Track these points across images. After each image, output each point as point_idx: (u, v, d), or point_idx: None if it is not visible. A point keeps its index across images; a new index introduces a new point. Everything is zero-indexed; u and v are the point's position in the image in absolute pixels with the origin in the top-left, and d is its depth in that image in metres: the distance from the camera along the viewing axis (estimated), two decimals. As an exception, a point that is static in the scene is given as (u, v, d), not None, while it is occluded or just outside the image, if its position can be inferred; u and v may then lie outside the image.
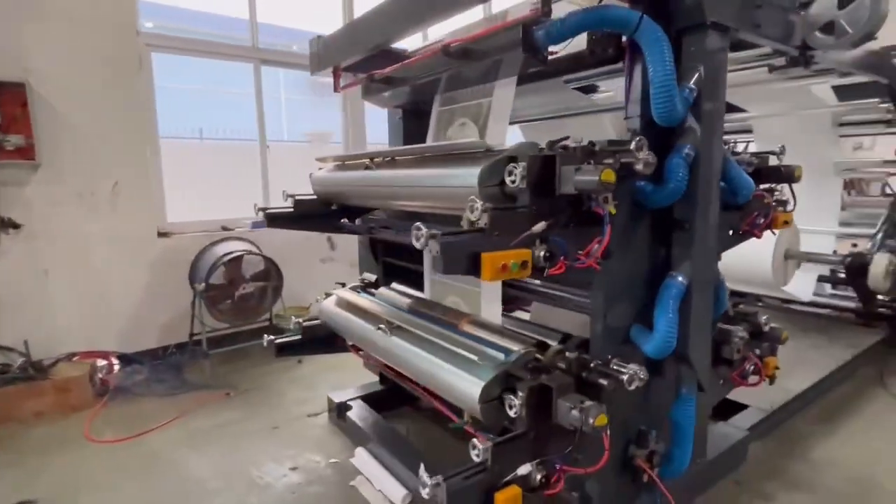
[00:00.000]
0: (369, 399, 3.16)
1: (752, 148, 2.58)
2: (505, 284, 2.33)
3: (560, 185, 1.56)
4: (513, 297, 2.65)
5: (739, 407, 2.91)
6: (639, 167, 1.64)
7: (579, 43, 1.96)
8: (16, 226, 3.62)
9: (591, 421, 1.53)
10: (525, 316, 2.80)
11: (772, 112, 4.25)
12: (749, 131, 4.41)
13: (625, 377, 1.68)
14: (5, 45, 3.50)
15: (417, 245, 1.41)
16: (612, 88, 3.44)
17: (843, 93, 4.16)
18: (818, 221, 4.49)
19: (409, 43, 2.84)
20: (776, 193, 2.35)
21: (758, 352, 2.35)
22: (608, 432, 1.62)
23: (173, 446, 2.94)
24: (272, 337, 2.91)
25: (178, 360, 4.14)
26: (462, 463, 2.64)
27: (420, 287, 2.68)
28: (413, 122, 3.05)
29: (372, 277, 3.12)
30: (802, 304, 4.61)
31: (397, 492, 2.40)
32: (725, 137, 2.04)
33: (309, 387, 3.71)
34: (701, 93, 1.81)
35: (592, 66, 2.01)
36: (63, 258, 3.80)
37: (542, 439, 1.70)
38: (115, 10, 3.88)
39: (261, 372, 4.01)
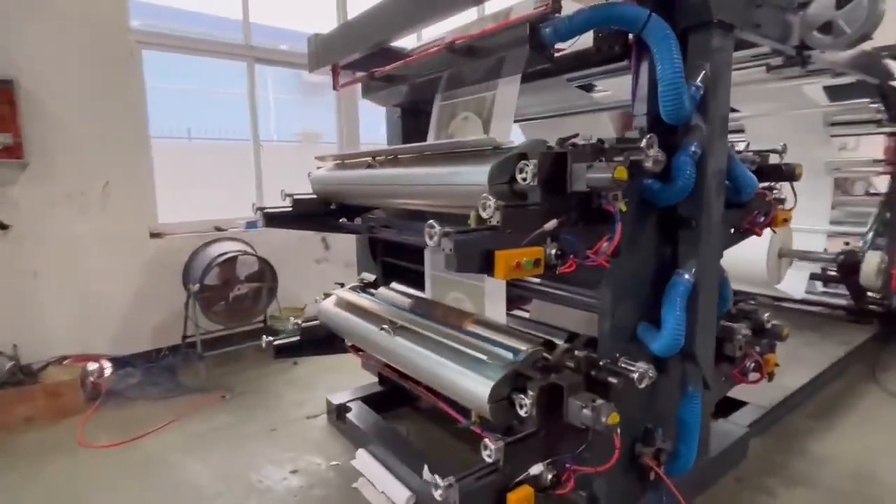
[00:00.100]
0: (368, 400, 3.14)
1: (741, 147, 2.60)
2: (507, 283, 2.32)
3: (571, 183, 1.55)
4: (516, 297, 2.64)
5: (737, 404, 2.94)
6: (648, 165, 1.64)
7: (581, 41, 1.97)
8: (3, 226, 3.53)
9: (603, 420, 1.53)
10: (521, 314, 2.79)
11: (764, 112, 4.30)
12: (741, 131, 4.45)
13: (635, 375, 1.68)
14: (-8, 42, 3.42)
15: (430, 243, 1.39)
16: (608, 88, 3.46)
17: (834, 93, 4.22)
18: (810, 220, 4.55)
19: (406, 41, 2.82)
20: (775, 192, 2.38)
21: (757, 349, 2.38)
22: (618, 431, 1.62)
23: (169, 450, 2.89)
24: (271, 338, 2.87)
25: (172, 362, 4.07)
26: (463, 462, 2.62)
27: (420, 286, 2.66)
28: (412, 121, 3.03)
29: (371, 277, 3.10)
30: (794, 301, 4.67)
31: (401, 493, 2.38)
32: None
33: (306, 388, 3.67)
34: (707, 91, 1.82)
35: (597, 63, 2.01)
36: (53, 260, 3.72)
37: (552, 439, 1.69)
38: (105, 6, 3.81)
39: (256, 374, 3.96)
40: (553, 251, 1.52)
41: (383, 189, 2.32)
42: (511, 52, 1.91)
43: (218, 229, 4.46)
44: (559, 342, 1.95)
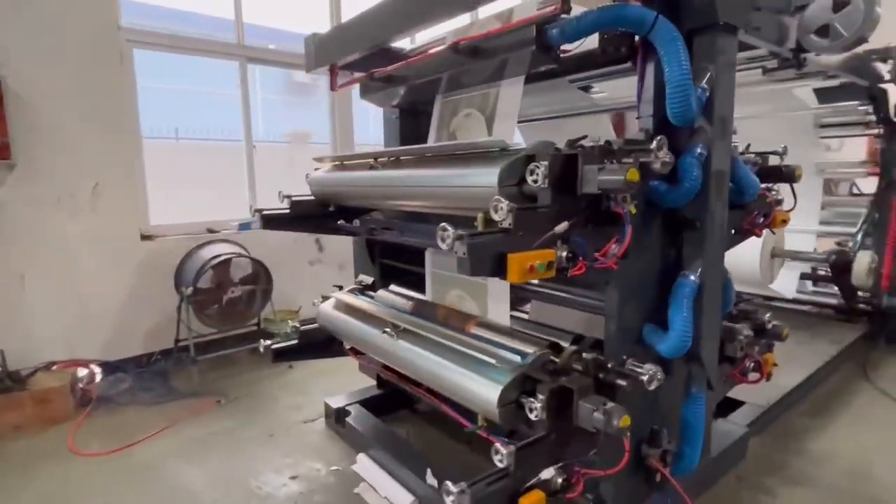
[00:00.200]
0: (367, 403, 3.10)
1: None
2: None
3: (582, 185, 1.55)
4: (516, 298, 2.63)
5: (734, 404, 2.96)
6: (657, 167, 1.64)
7: (584, 42, 1.96)
8: (-10, 229, 3.45)
9: (615, 423, 1.52)
10: (519, 315, 2.78)
11: (756, 114, 4.34)
12: (733, 133, 4.49)
13: (644, 377, 1.68)
14: (-23, 39, 3.33)
15: (443, 246, 1.38)
16: (604, 89, 3.47)
17: (823, 95, 4.28)
18: (800, 220, 4.61)
19: (403, 41, 2.80)
20: (773, 193, 2.40)
21: (756, 349, 2.39)
22: (628, 434, 1.62)
23: (165, 457, 2.83)
24: (269, 342, 2.83)
25: (164, 367, 4.00)
26: (465, 465, 2.62)
27: (419, 288, 2.64)
28: (410, 121, 3.01)
29: (369, 279, 3.07)
30: (785, 301, 4.73)
31: (403, 498, 2.36)
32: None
33: (302, 392, 3.63)
34: (712, 93, 1.82)
35: (602, 65, 2.01)
36: (41, 263, 3.63)
37: (561, 442, 1.68)
38: (96, 4, 3.73)
39: (250, 378, 3.90)
40: (564, 254, 1.51)
41: (386, 191, 2.29)
42: (517, 53, 1.90)
43: (210, 231, 4.40)
44: (564, 344, 1.95)
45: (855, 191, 5.67)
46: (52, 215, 3.65)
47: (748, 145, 2.36)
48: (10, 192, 3.48)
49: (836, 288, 4.52)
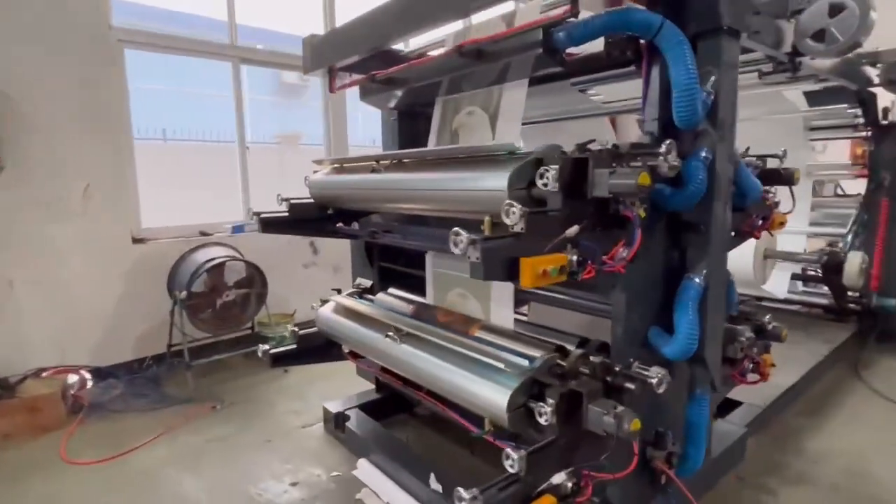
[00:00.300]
0: (366, 408, 3.08)
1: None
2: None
3: (592, 188, 1.54)
4: (518, 300, 2.63)
5: (731, 404, 2.98)
6: (665, 170, 1.64)
7: (585, 45, 1.97)
8: (-24, 233, 3.36)
9: (626, 427, 1.52)
10: (518, 317, 2.77)
11: (748, 116, 4.39)
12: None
13: (654, 380, 1.68)
14: (-37, 39, 3.26)
15: (456, 251, 1.37)
16: (600, 92, 3.49)
17: (813, 98, 4.35)
18: (791, 222, 4.65)
19: (403, 43, 2.79)
20: (771, 195, 2.42)
21: (755, 350, 2.41)
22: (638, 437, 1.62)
23: (161, 465, 2.78)
24: (267, 347, 2.79)
25: (157, 372, 3.94)
26: (466, 469, 2.61)
27: (418, 291, 2.63)
28: (409, 123, 3.00)
29: (367, 283, 3.05)
30: (775, 301, 4.79)
31: (407, 503, 2.34)
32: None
33: (298, 397, 3.59)
34: (717, 96, 1.83)
35: (607, 68, 2.01)
36: (30, 268, 3.55)
37: (570, 446, 1.68)
38: (86, 2, 3.66)
39: (246, 383, 3.85)
40: (574, 257, 1.51)
41: (389, 194, 2.27)
42: (522, 56, 1.89)
43: (203, 234, 4.34)
44: (570, 347, 1.94)
45: (839, 192, 5.78)
46: (42, 219, 3.57)
47: (747, 148, 2.38)
48: (-3, 195, 3.41)
49: (825, 288, 4.59)
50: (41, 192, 3.56)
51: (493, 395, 1.77)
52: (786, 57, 2.71)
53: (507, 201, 1.41)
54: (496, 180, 1.67)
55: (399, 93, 2.66)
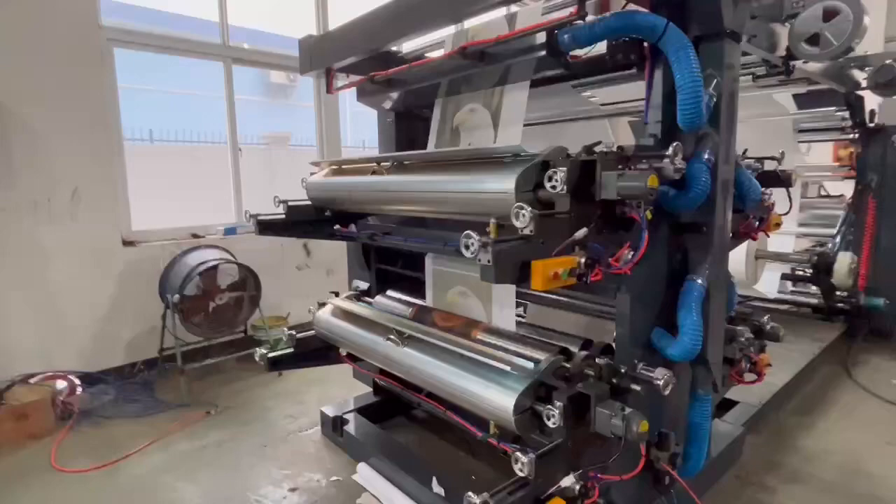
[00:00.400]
0: (363, 411, 3.05)
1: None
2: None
3: (601, 191, 1.55)
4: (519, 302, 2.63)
5: (727, 403, 3.01)
6: (670, 172, 1.65)
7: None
8: (-39, 236, 3.28)
9: (635, 429, 1.52)
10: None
11: (738, 118, 4.45)
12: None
13: (660, 382, 1.68)
14: (-53, 37, 3.17)
15: (468, 254, 1.36)
16: (598, 94, 3.51)
17: (801, 101, 4.42)
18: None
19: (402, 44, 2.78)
20: (767, 196, 2.45)
21: (752, 349, 2.44)
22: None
23: (156, 472, 2.73)
24: (265, 351, 2.75)
25: (148, 377, 3.87)
26: (466, 471, 2.60)
27: (416, 293, 2.61)
28: (406, 124, 2.99)
29: (364, 285, 3.02)
30: (765, 301, 4.85)
31: (409, 507, 2.33)
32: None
33: (293, 401, 3.55)
34: (719, 99, 1.85)
35: (610, 70, 2.01)
36: (16, 272, 3.47)
37: (577, 449, 1.68)
38: (75, 0, 3.59)
39: (239, 387, 3.81)
40: (583, 260, 1.51)
41: (390, 195, 2.25)
42: (526, 58, 1.89)
43: (195, 236, 4.28)
44: (573, 349, 1.95)
45: (823, 193, 5.88)
46: (29, 221, 3.50)
47: (745, 150, 2.41)
48: (-17, 197, 3.33)
49: (813, 287, 4.66)
50: (28, 195, 3.48)
51: (499, 398, 1.76)
52: (780, 60, 2.75)
53: (518, 204, 1.40)
54: (502, 183, 1.67)
55: (399, 93, 2.65)
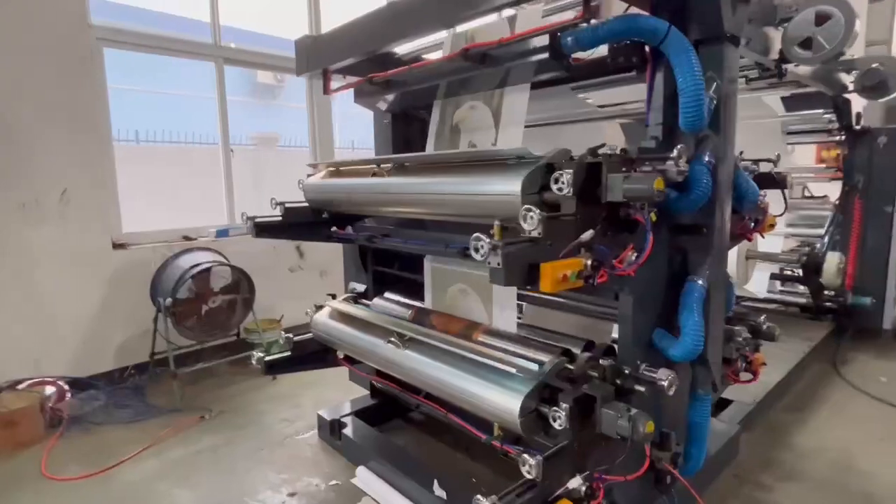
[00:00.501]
0: (361, 414, 3.03)
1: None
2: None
3: (606, 193, 1.55)
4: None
5: (722, 402, 3.04)
6: (674, 175, 1.66)
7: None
8: (-54, 239, 3.20)
9: (641, 429, 1.53)
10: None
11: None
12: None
13: (664, 383, 1.69)
14: (-69, 35, 3.10)
15: (477, 257, 1.35)
16: (595, 97, 3.53)
17: (790, 103, 4.49)
18: (770, 223, 4.79)
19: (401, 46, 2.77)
20: (762, 198, 2.48)
21: (748, 349, 2.47)
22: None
23: (151, 479, 2.69)
24: (261, 354, 2.72)
25: (139, 382, 3.81)
26: (465, 473, 2.59)
27: (414, 295, 2.60)
28: (402, 125, 2.98)
29: (360, 287, 3.01)
30: (754, 300, 4.92)
31: (410, 511, 2.31)
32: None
33: (289, 404, 3.52)
34: (719, 101, 1.87)
35: (612, 73, 2.02)
36: (3, 275, 3.40)
37: (583, 450, 1.68)
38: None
39: (233, 391, 3.76)
40: (590, 262, 1.51)
41: (391, 197, 2.24)
42: (528, 60, 1.89)
43: (186, 238, 4.22)
44: (575, 350, 1.95)
45: (807, 194, 5.97)
46: (16, 224, 3.42)
47: (741, 152, 2.43)
48: (-32, 199, 3.25)
49: (801, 287, 4.73)
50: (15, 196, 3.41)
51: (504, 400, 1.76)
52: (773, 64, 2.79)
53: (526, 206, 1.40)
54: (507, 185, 1.67)
55: (397, 95, 2.64)
